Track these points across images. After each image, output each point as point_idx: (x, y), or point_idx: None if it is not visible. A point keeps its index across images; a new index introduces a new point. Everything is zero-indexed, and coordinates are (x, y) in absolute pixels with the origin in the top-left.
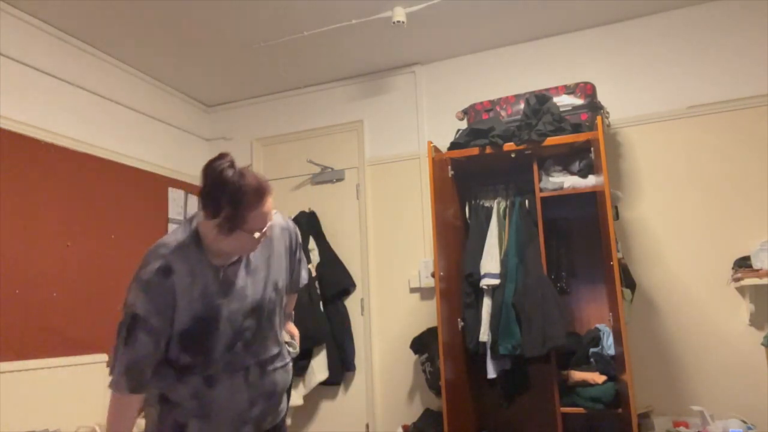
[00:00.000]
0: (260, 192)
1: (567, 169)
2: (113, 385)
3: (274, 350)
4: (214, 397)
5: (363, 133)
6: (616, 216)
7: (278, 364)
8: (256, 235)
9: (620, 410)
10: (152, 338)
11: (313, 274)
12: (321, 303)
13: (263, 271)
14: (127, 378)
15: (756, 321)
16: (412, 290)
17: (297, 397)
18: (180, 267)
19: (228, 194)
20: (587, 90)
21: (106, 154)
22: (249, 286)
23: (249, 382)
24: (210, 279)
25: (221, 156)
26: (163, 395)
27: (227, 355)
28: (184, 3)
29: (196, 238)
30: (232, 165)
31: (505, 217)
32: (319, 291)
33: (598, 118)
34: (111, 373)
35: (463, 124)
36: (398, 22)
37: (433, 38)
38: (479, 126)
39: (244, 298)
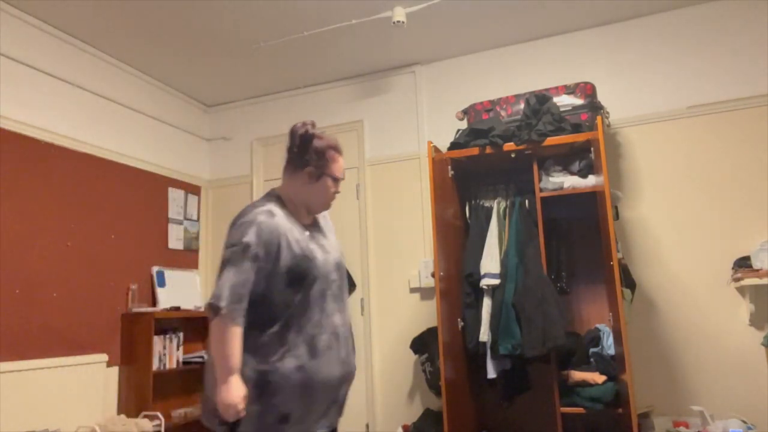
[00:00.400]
0: (338, 146)
1: (567, 169)
2: (216, 299)
3: (349, 314)
4: (316, 369)
5: (363, 133)
6: (616, 216)
7: (352, 344)
8: (340, 180)
9: (620, 410)
10: (254, 267)
11: None
12: None
13: (333, 239)
14: (230, 297)
15: (756, 321)
16: (412, 290)
17: None
18: (279, 213)
19: (315, 146)
20: (587, 90)
21: (106, 154)
22: (327, 245)
23: (341, 359)
24: (301, 230)
25: (304, 122)
26: (262, 381)
27: (320, 301)
28: (184, 3)
29: (281, 202)
30: (314, 126)
31: (505, 217)
32: None
33: (598, 118)
34: (213, 296)
35: (463, 124)
36: (398, 22)
37: (433, 38)
38: (479, 126)
39: (328, 252)
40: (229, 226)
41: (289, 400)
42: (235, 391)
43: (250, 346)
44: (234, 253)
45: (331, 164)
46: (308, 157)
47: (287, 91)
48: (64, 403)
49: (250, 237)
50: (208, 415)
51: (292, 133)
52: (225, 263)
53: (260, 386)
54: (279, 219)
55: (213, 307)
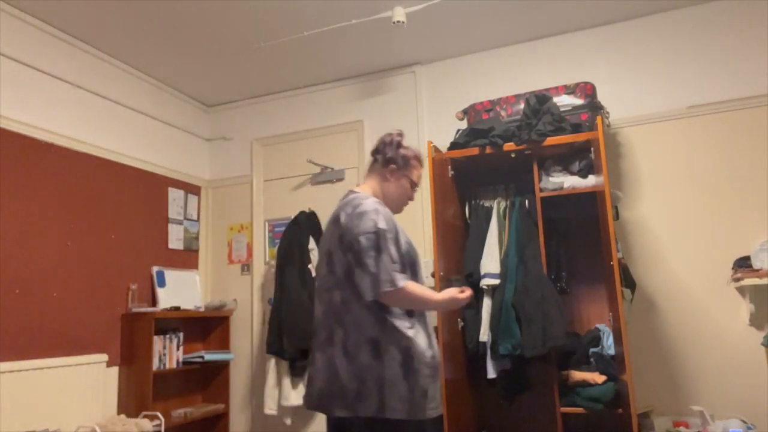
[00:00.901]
0: (421, 158)
1: (567, 169)
2: (394, 282)
3: None
4: (434, 347)
5: (363, 133)
6: (616, 216)
7: None
8: (416, 187)
9: (620, 410)
10: (394, 247)
11: (313, 274)
12: None
13: None
14: (397, 274)
15: (756, 321)
16: None
17: (297, 397)
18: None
19: (401, 152)
20: (587, 90)
21: (106, 154)
22: None
23: None
24: None
25: (391, 133)
26: (407, 357)
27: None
28: (183, 3)
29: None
30: (401, 136)
31: (505, 217)
32: None
33: (598, 118)
34: (385, 282)
35: (463, 124)
36: (398, 22)
37: (433, 38)
38: (479, 126)
39: None
40: (345, 216)
41: (427, 375)
42: (447, 294)
43: (389, 326)
44: (375, 240)
45: (413, 170)
46: (392, 157)
47: (287, 91)
48: (64, 403)
49: (382, 224)
50: (364, 403)
51: (382, 140)
52: (370, 250)
53: (405, 364)
54: (388, 209)
55: (391, 287)
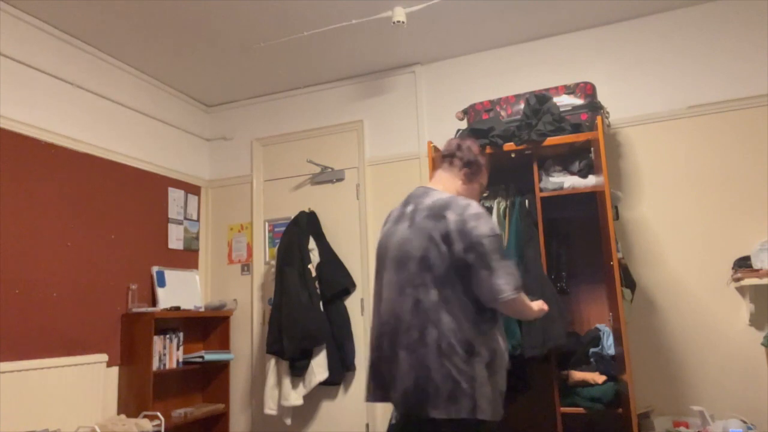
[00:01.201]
0: (487, 164)
1: (567, 169)
2: (519, 288)
3: None
4: (506, 350)
5: (363, 133)
6: (616, 216)
7: None
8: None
9: (620, 410)
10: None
11: (313, 274)
12: (321, 303)
13: None
14: (520, 280)
15: (756, 321)
16: None
17: (297, 397)
18: None
19: (477, 157)
20: (587, 90)
21: (106, 154)
22: None
23: None
24: None
25: (462, 138)
26: (492, 358)
27: None
28: (184, 3)
29: None
30: (473, 140)
31: (505, 217)
32: (319, 291)
33: (598, 118)
34: (513, 285)
35: (463, 124)
36: (398, 22)
37: (433, 38)
38: (479, 126)
39: None
40: (457, 215)
41: (503, 375)
42: (539, 306)
43: (482, 328)
44: (498, 244)
45: (483, 176)
46: (470, 161)
47: (287, 91)
48: (64, 403)
49: (497, 227)
50: (444, 402)
51: (457, 144)
52: (495, 253)
53: (490, 365)
54: None
55: (516, 293)
